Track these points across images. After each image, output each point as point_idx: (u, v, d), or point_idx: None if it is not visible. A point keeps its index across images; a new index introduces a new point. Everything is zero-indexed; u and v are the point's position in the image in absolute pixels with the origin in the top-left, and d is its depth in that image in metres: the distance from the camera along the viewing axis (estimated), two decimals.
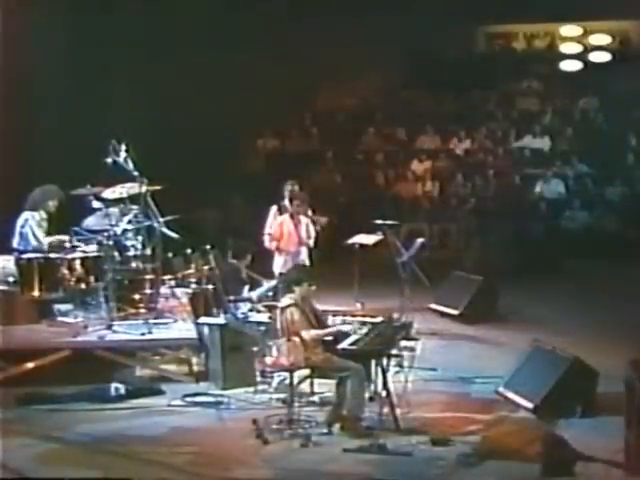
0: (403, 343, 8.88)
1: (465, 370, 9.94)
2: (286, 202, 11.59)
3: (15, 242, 10.22)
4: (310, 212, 11.72)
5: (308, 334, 8.19)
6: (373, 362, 8.23)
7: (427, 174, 18.80)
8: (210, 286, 10.56)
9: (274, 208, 11.67)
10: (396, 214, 13.36)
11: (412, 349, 9.14)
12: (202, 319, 10.07)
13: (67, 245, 10.15)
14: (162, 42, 16.24)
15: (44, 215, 10.34)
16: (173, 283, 10.85)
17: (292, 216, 11.45)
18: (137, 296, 10.31)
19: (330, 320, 8.88)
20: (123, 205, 10.38)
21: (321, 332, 8.35)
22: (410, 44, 19.28)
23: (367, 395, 8.34)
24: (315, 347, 8.22)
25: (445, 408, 8.83)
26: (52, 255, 10.02)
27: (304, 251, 11.48)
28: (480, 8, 18.48)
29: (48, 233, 10.32)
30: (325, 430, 8.08)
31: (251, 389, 9.17)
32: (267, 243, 11.50)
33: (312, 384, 8.85)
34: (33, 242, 10.14)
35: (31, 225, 10.18)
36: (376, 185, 18.85)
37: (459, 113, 20.00)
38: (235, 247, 11.32)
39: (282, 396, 8.71)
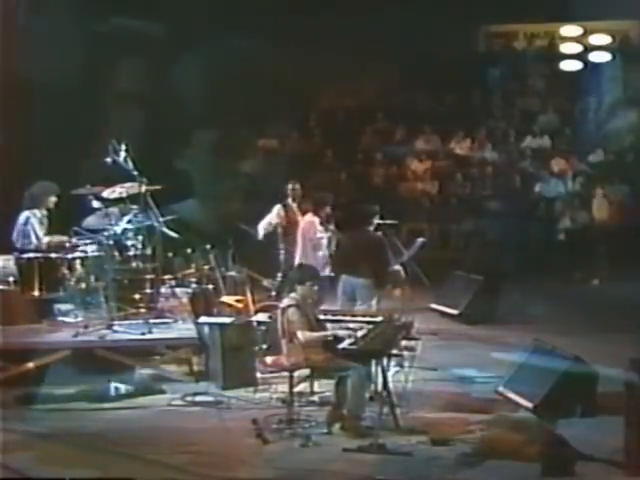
0: (403, 343, 8.88)
1: (465, 370, 9.93)
2: (289, 201, 11.60)
3: (16, 241, 10.22)
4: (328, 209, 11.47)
5: (304, 335, 8.17)
6: (373, 362, 8.23)
7: (427, 174, 18.81)
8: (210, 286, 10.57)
9: (277, 207, 11.62)
10: (396, 214, 13.30)
11: (412, 349, 9.14)
12: (202, 319, 10.07)
13: (67, 245, 10.16)
14: (162, 41, 16.24)
15: (44, 212, 10.35)
16: (173, 283, 10.86)
17: (303, 215, 11.36)
18: (137, 296, 10.30)
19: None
20: (123, 205, 10.39)
21: (315, 335, 8.31)
22: (410, 44, 19.26)
23: (367, 395, 8.34)
24: (313, 348, 8.21)
25: (445, 408, 8.83)
26: (52, 255, 10.02)
27: (311, 253, 11.31)
28: (480, 8, 18.47)
29: (49, 232, 10.33)
30: (325, 430, 8.08)
31: (251, 389, 9.17)
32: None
33: (312, 384, 8.86)
34: (35, 241, 10.14)
35: (32, 223, 10.19)
36: (376, 185, 18.84)
37: (459, 113, 19.99)
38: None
39: (282, 396, 8.71)
